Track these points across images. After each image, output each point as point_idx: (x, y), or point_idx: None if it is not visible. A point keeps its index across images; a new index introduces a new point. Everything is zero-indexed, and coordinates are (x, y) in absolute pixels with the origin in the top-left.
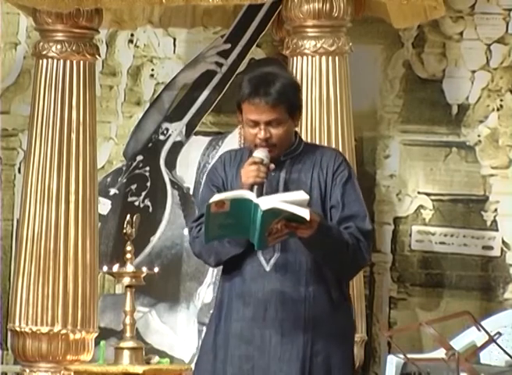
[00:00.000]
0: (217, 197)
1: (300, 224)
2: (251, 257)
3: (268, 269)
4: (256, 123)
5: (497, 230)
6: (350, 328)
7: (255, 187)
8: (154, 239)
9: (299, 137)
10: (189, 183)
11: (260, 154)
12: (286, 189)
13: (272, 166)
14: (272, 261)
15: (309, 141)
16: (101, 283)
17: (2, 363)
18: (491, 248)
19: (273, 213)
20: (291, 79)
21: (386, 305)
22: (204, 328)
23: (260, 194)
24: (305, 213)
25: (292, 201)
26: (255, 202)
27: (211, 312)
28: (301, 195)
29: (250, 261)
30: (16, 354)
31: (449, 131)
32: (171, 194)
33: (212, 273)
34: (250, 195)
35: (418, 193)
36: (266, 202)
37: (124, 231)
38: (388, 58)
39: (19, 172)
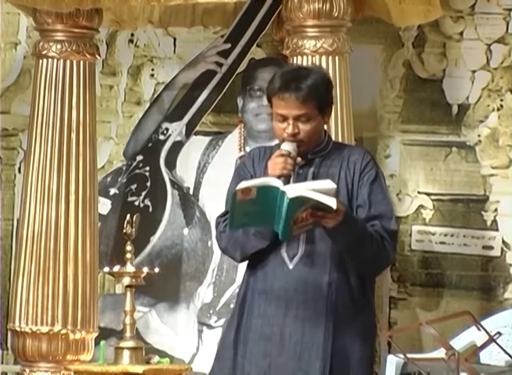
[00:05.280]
0: (244, 184)
1: (326, 213)
2: (275, 254)
3: (291, 266)
4: (285, 118)
5: (497, 229)
6: (372, 328)
7: (281, 179)
8: (154, 239)
9: (328, 135)
10: (189, 183)
11: (287, 147)
12: None
13: (299, 159)
14: (296, 259)
15: None
16: (101, 283)
17: (2, 363)
18: (491, 247)
19: (299, 201)
20: (324, 75)
21: (386, 305)
22: (205, 328)
23: None
24: (332, 202)
25: (319, 190)
26: (282, 190)
27: (233, 307)
28: (328, 184)
29: (273, 257)
30: (16, 354)
31: (450, 131)
32: (171, 194)
33: (212, 273)
34: (277, 183)
35: (418, 193)
36: (293, 190)
37: (124, 231)
38: (388, 58)
39: (20, 172)
